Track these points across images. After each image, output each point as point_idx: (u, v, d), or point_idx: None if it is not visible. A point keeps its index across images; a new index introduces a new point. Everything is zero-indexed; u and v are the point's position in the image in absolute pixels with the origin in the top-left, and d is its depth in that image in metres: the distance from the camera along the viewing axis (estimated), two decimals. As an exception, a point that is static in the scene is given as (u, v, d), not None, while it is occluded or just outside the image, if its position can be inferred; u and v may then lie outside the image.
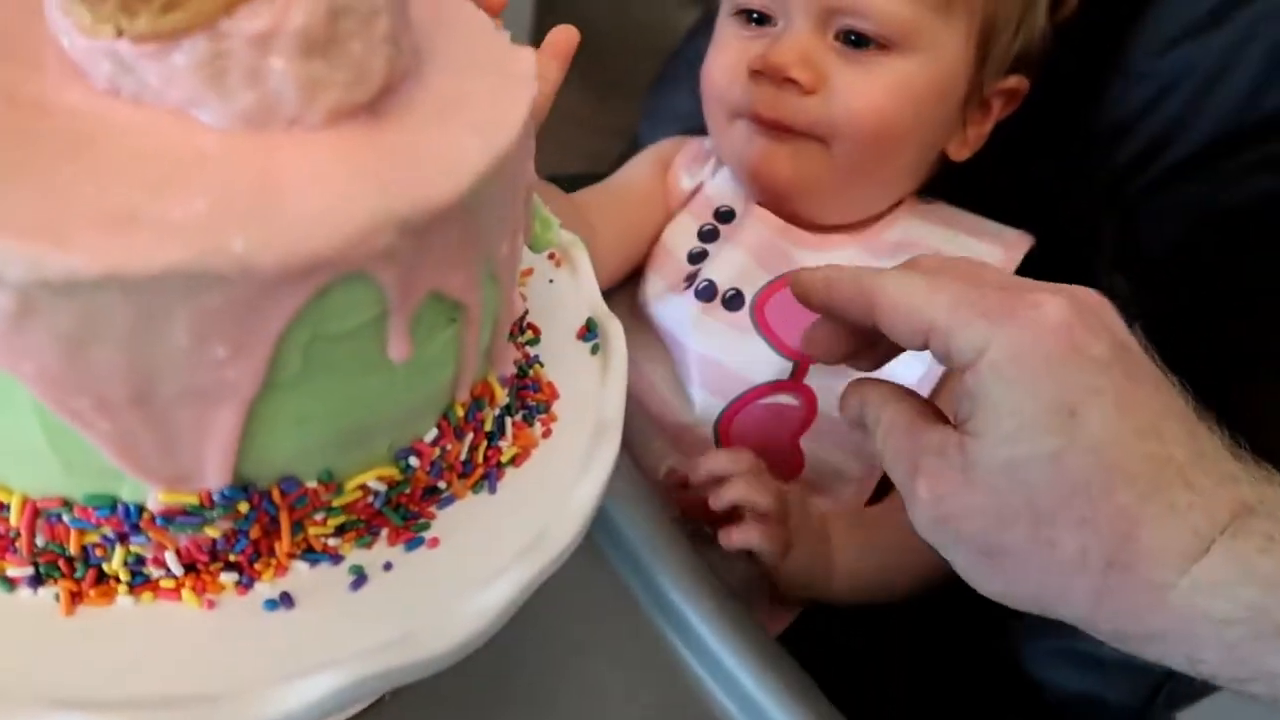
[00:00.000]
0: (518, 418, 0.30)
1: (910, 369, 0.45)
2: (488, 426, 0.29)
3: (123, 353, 0.20)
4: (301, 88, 0.20)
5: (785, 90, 0.47)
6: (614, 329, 0.34)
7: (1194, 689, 0.40)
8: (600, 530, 0.42)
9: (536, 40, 0.40)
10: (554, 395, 0.31)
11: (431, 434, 0.26)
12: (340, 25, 0.20)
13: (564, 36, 0.40)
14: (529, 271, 0.35)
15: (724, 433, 0.49)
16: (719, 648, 0.39)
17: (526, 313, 0.32)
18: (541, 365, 0.32)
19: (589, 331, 0.33)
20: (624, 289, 0.55)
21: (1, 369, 0.20)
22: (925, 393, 0.44)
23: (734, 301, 0.50)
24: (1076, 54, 0.51)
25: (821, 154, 0.48)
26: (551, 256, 0.36)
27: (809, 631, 0.45)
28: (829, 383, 0.48)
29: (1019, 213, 0.51)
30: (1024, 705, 0.42)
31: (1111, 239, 0.50)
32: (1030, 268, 0.49)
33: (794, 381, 0.48)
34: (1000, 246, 0.49)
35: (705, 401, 0.49)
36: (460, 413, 0.27)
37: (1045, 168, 0.52)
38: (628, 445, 0.42)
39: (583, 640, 0.38)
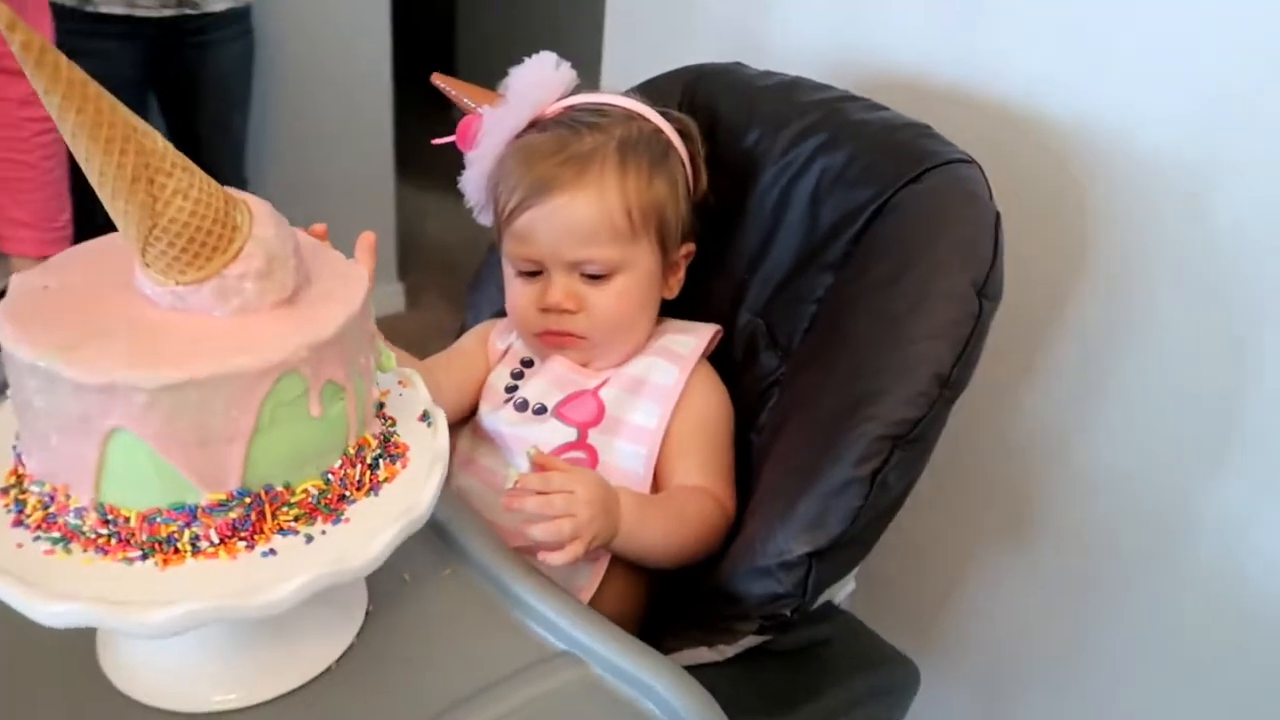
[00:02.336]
0: (387, 460, 0.55)
1: (649, 416, 0.72)
2: (369, 460, 0.53)
3: (193, 418, 0.44)
4: (259, 294, 0.46)
5: (562, 316, 0.76)
6: (438, 414, 0.59)
7: (831, 575, 0.65)
8: (463, 559, 0.65)
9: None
10: (406, 448, 0.56)
11: (338, 462, 0.51)
12: (274, 265, 0.47)
13: (371, 238, 0.67)
14: (387, 392, 0.60)
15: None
16: (549, 612, 0.61)
17: (384, 405, 0.57)
18: (398, 434, 0.57)
19: (425, 416, 0.59)
20: (465, 422, 0.81)
21: (133, 433, 0.44)
22: (660, 435, 0.71)
23: (540, 410, 0.77)
24: (711, 216, 0.82)
25: (588, 345, 0.77)
26: (401, 382, 0.61)
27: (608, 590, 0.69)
28: (603, 439, 0.74)
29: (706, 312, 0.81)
30: (734, 612, 0.67)
31: (765, 327, 0.79)
32: (721, 346, 0.78)
33: (579, 443, 0.74)
34: (695, 336, 0.78)
35: (524, 468, 0.74)
36: (352, 452, 0.52)
37: (714, 285, 0.82)
38: (478, 507, 0.66)
39: (454, 626, 0.61)
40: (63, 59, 0.39)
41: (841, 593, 0.72)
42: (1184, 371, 0.79)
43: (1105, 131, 0.78)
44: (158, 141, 0.43)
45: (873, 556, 0.74)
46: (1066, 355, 0.86)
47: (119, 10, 1.57)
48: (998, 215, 0.69)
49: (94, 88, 0.40)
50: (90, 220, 1.90)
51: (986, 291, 0.66)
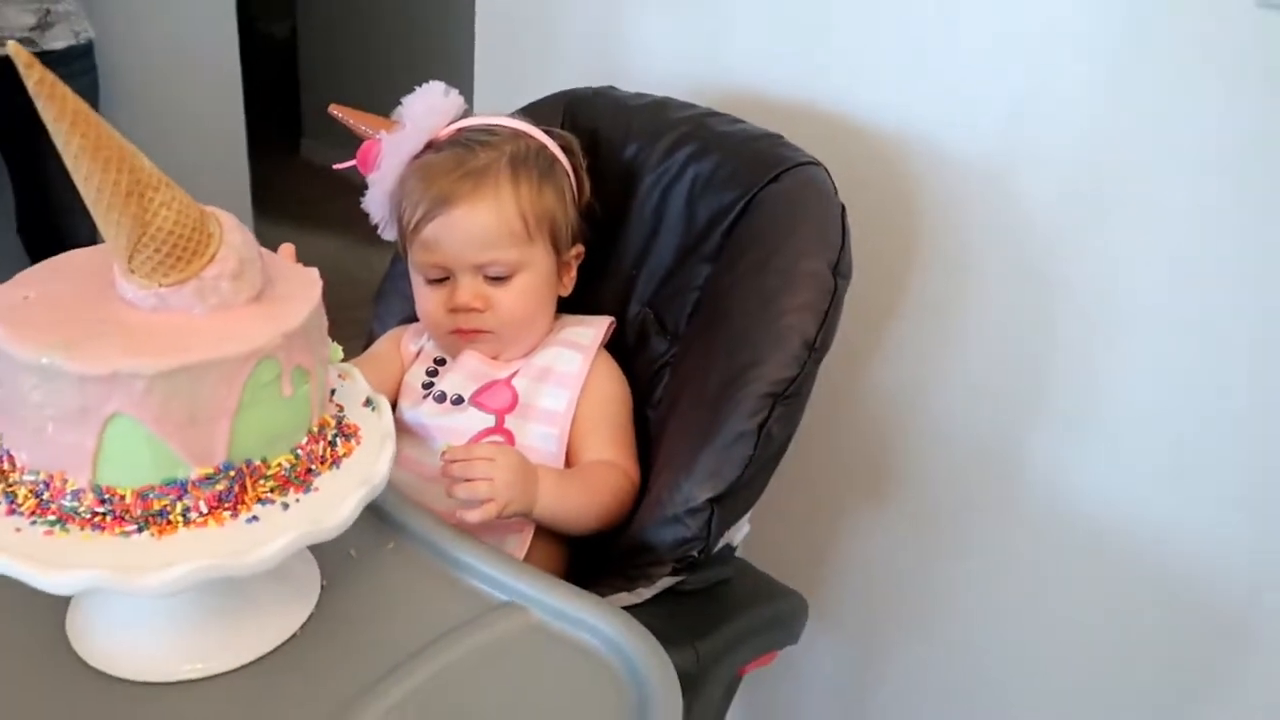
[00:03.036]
0: (343, 438, 0.61)
1: (558, 400, 0.81)
2: (329, 438, 0.60)
3: (186, 400, 0.50)
4: (234, 293, 0.53)
5: (471, 314, 0.83)
6: (380, 400, 0.66)
7: (730, 518, 0.76)
8: (403, 533, 0.72)
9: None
10: (357, 428, 0.63)
11: (305, 439, 0.57)
12: (244, 266, 0.53)
13: (291, 248, 0.74)
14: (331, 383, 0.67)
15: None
16: (488, 569, 0.68)
17: (334, 392, 0.64)
18: (348, 417, 0.64)
19: (368, 402, 0.66)
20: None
21: (132, 417, 0.50)
22: (570, 417, 0.80)
23: (458, 401, 0.85)
24: (598, 221, 0.92)
25: (495, 339, 0.85)
26: (341, 375, 0.68)
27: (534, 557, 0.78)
28: (518, 423, 0.83)
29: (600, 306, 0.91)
30: (649, 559, 0.76)
31: (654, 315, 0.90)
32: (615, 335, 0.89)
33: (498, 428, 0.82)
34: (593, 328, 0.87)
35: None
36: (315, 430, 0.58)
37: (605, 282, 0.92)
38: (409, 494, 0.73)
39: (402, 591, 0.68)
40: (69, 93, 0.45)
41: (738, 535, 0.83)
42: (1003, 333, 0.94)
43: (924, 136, 0.92)
44: (145, 161, 0.49)
45: (761, 517, 0.85)
46: (908, 326, 1.00)
47: None
48: (843, 207, 0.82)
49: (94, 117, 0.46)
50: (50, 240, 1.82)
51: (840, 270, 0.79)
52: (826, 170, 0.85)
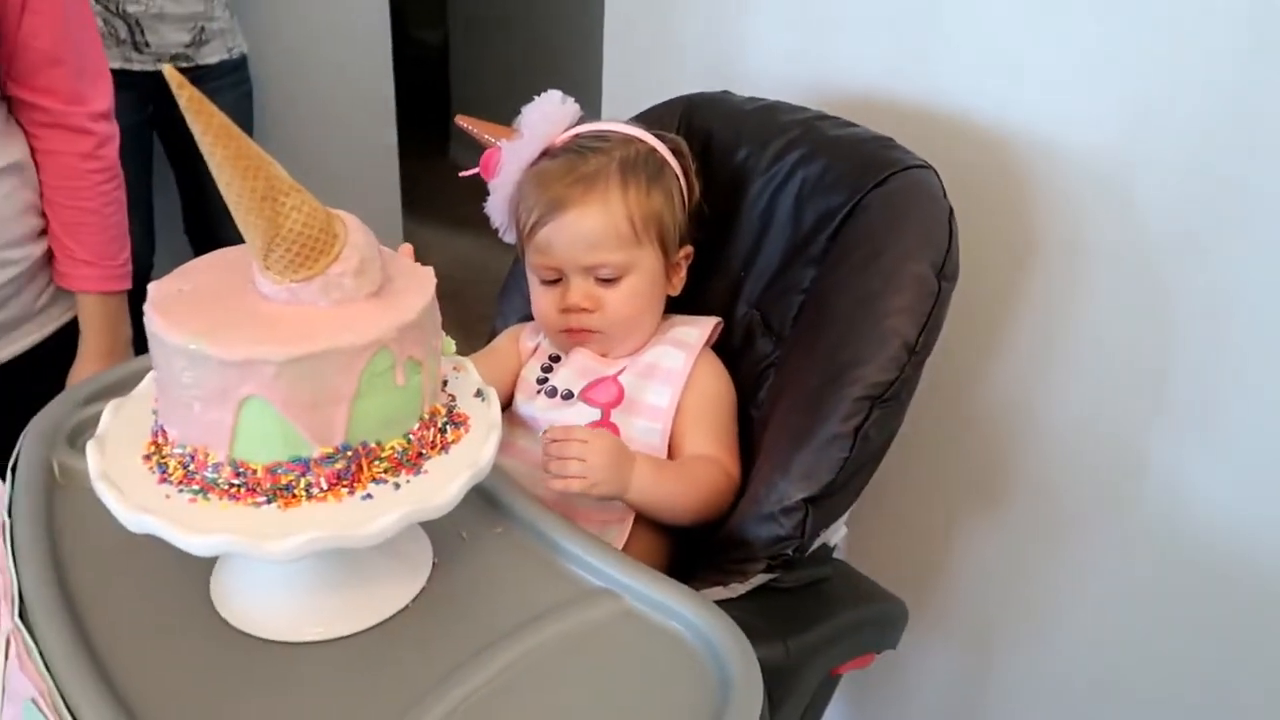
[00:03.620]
0: (453, 426, 0.66)
1: (661, 396, 0.84)
2: (439, 425, 0.64)
3: (309, 385, 0.56)
4: (356, 288, 0.58)
5: (581, 314, 0.87)
6: (490, 392, 0.70)
7: (826, 519, 0.77)
8: (511, 519, 0.76)
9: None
10: (467, 418, 0.67)
11: (416, 425, 0.62)
12: (365, 264, 0.58)
13: (409, 248, 0.78)
14: (445, 375, 0.72)
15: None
16: (587, 556, 0.71)
17: (447, 383, 0.69)
18: (459, 407, 0.68)
19: (479, 393, 0.70)
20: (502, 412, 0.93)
21: (264, 399, 0.55)
22: (672, 413, 0.83)
23: (568, 396, 0.89)
24: (708, 223, 0.94)
25: (605, 337, 0.89)
26: (456, 368, 0.73)
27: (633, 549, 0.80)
28: (623, 418, 0.86)
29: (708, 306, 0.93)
30: (744, 555, 0.78)
31: (760, 317, 0.91)
32: (722, 335, 0.90)
33: (603, 421, 0.86)
34: (699, 328, 0.90)
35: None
36: (426, 417, 0.63)
37: (714, 283, 0.94)
38: (519, 483, 0.77)
39: (507, 573, 0.72)
40: (214, 109, 0.51)
41: (835, 536, 0.83)
42: (1121, 337, 0.91)
43: (1039, 137, 0.90)
44: (278, 169, 0.55)
45: (868, 521, 0.85)
46: (1021, 329, 0.98)
47: (116, 65, 1.69)
48: (951, 210, 0.81)
49: (234, 130, 0.52)
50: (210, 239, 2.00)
51: (945, 273, 0.78)
52: (936, 173, 0.84)
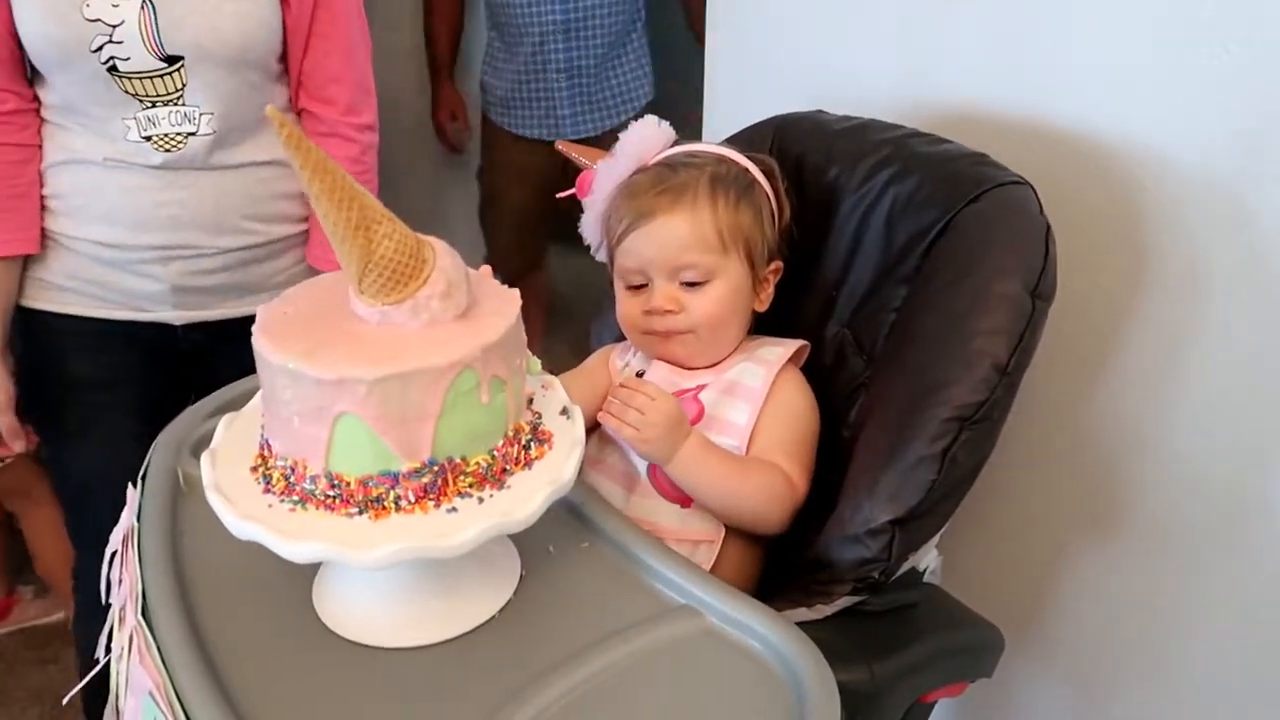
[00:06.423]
0: (537, 443, 0.68)
1: (740, 413, 0.84)
2: (523, 442, 0.67)
3: (398, 402, 0.59)
4: (443, 310, 0.61)
5: (666, 316, 0.89)
6: (575, 410, 0.72)
7: (913, 542, 0.75)
8: (597, 535, 0.78)
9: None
10: (551, 435, 0.70)
11: (501, 442, 0.65)
12: (453, 288, 0.61)
13: (488, 269, 0.81)
14: (533, 392, 0.74)
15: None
16: (671, 574, 0.73)
17: (532, 401, 0.71)
18: (544, 424, 0.70)
19: (565, 411, 0.72)
20: (592, 430, 0.95)
21: (356, 416, 0.59)
22: (750, 429, 0.83)
23: None
24: (799, 242, 0.94)
25: (691, 339, 0.89)
26: (544, 385, 0.75)
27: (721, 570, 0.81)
28: (711, 396, 0.88)
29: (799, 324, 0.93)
30: (829, 577, 0.77)
31: (851, 336, 0.90)
32: (811, 358, 0.90)
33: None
34: (782, 347, 0.90)
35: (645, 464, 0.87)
36: (511, 434, 0.65)
37: (805, 302, 0.94)
38: (605, 499, 0.79)
39: (592, 587, 0.74)
40: (312, 146, 0.55)
41: (926, 560, 0.82)
42: (1242, 361, 0.86)
43: (1149, 151, 0.87)
44: (371, 199, 0.58)
45: (969, 548, 0.83)
46: (1133, 353, 0.93)
47: None
48: (1048, 227, 0.79)
49: (331, 163, 0.56)
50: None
51: (1039, 292, 0.76)
52: (1033, 189, 0.82)
